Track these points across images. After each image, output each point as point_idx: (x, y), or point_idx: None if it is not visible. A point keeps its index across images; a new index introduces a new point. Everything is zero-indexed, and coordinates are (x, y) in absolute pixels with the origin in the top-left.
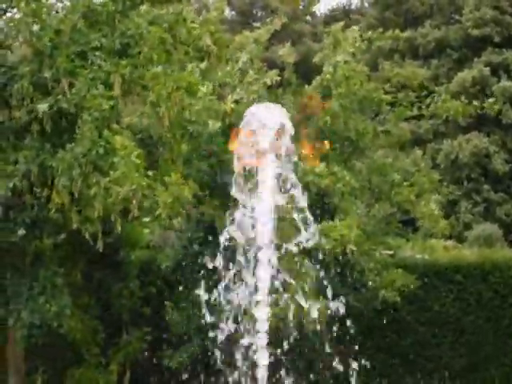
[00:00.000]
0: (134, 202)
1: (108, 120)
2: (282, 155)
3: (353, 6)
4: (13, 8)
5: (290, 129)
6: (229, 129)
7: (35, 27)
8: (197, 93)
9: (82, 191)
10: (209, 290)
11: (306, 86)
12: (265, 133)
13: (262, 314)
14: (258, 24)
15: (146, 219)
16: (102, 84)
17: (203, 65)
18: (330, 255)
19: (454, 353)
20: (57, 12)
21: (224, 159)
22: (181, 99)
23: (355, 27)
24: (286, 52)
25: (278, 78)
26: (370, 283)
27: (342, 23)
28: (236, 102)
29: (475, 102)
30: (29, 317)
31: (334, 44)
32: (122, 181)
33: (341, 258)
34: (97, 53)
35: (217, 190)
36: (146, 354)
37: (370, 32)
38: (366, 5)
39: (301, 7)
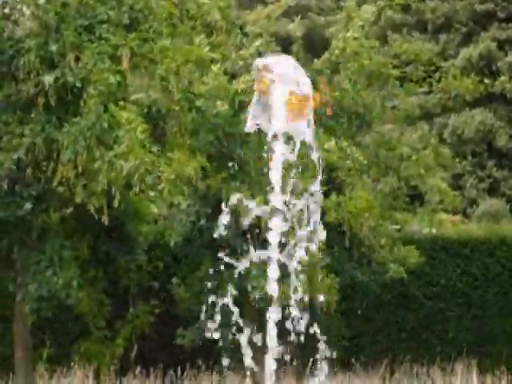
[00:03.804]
0: (136, 177)
1: (114, 95)
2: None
3: None
4: None
5: (308, 83)
6: (239, 108)
7: (41, 0)
8: (207, 66)
9: (87, 165)
10: (216, 266)
11: (315, 60)
12: (281, 84)
13: (274, 292)
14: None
15: (153, 193)
16: (109, 58)
17: (212, 39)
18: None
19: (461, 327)
20: None
21: (231, 132)
22: (189, 72)
23: (369, 6)
24: (295, 26)
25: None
26: (380, 258)
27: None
28: (248, 82)
29: (486, 80)
30: (37, 290)
31: (346, 20)
32: (126, 155)
33: (348, 232)
34: (104, 26)
35: (224, 162)
36: (154, 328)
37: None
38: None
39: None
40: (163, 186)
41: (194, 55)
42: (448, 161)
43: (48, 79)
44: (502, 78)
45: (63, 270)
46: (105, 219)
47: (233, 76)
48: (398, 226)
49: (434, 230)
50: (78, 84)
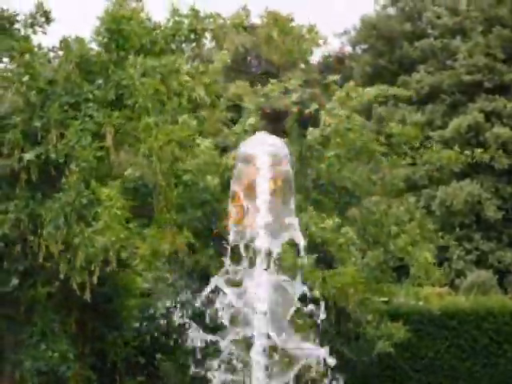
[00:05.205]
0: (111, 253)
1: (96, 171)
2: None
3: (345, 53)
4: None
5: (285, 155)
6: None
7: (27, 77)
8: (188, 147)
9: (68, 240)
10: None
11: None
12: (260, 162)
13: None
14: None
15: (140, 267)
16: (93, 134)
17: (197, 114)
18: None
19: None
20: (49, 62)
21: (218, 208)
22: (172, 151)
23: (368, 88)
24: (290, 102)
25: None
26: (367, 335)
27: (352, 83)
28: None
29: (467, 152)
30: (33, 364)
31: (344, 99)
32: (104, 231)
33: (334, 307)
34: (90, 104)
35: (211, 238)
36: None
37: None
38: (359, 51)
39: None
40: (138, 261)
41: (176, 136)
42: (432, 234)
43: (28, 156)
44: (479, 150)
45: (56, 344)
46: (87, 295)
47: (224, 149)
48: (385, 299)
49: (420, 303)
50: (61, 160)
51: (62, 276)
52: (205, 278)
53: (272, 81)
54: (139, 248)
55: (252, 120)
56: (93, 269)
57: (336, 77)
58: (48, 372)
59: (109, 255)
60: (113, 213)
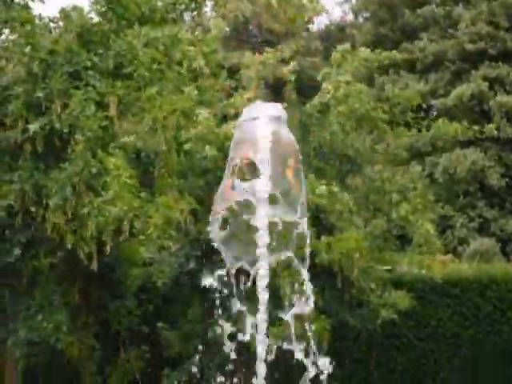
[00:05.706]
0: (126, 222)
1: (101, 140)
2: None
3: (347, 21)
4: (6, 29)
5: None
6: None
7: (28, 48)
8: (192, 116)
9: (76, 211)
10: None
11: (307, 104)
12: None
13: (261, 334)
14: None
15: (143, 237)
16: (96, 104)
17: (199, 83)
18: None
19: (452, 367)
20: (50, 32)
21: (221, 176)
22: (177, 121)
23: (363, 49)
24: (290, 70)
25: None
26: (371, 303)
27: (348, 46)
28: None
29: (475, 127)
30: (26, 334)
31: (339, 63)
32: (115, 201)
33: (340, 274)
34: (90, 72)
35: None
36: (144, 372)
37: (367, 51)
38: (361, 20)
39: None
40: (151, 230)
41: (180, 106)
42: (433, 205)
43: (33, 127)
44: (491, 122)
45: (53, 315)
46: (94, 265)
47: (224, 117)
48: (388, 267)
49: (423, 271)
50: (66, 130)
51: (69, 246)
52: (208, 248)
53: (268, 49)
54: (152, 217)
55: (249, 94)
56: (104, 239)
57: (346, 45)
58: (40, 342)
59: (122, 224)
60: (122, 182)
